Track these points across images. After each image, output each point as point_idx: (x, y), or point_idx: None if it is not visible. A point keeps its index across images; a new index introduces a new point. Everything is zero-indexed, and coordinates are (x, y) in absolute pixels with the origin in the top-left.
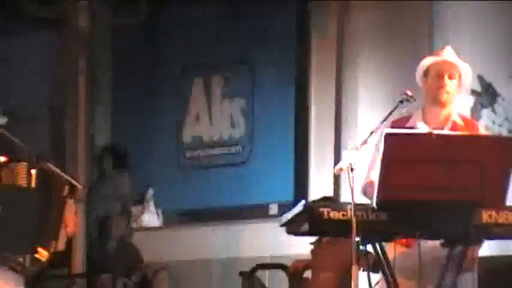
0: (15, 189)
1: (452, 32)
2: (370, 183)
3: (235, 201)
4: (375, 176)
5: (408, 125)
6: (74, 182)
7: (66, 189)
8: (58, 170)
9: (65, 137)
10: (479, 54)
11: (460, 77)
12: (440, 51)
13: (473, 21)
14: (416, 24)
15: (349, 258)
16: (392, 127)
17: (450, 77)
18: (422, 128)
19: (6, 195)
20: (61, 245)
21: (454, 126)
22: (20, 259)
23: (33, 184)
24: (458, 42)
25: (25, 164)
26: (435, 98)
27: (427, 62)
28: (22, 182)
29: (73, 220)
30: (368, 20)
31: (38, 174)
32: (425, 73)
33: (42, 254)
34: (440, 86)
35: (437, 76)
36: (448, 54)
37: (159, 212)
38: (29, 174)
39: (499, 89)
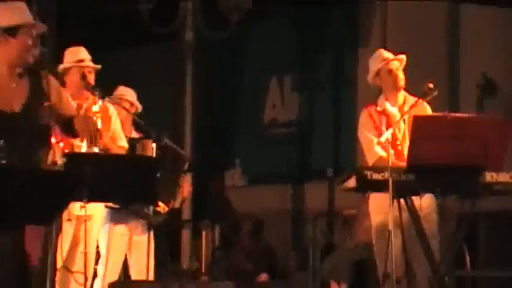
0: (145, 159)
1: (462, 36)
2: (380, 158)
3: (301, 167)
4: (381, 152)
5: (378, 108)
6: (186, 155)
7: (186, 164)
8: (175, 146)
9: (175, 122)
10: (484, 55)
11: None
12: (382, 55)
13: (480, 27)
14: (440, 28)
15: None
16: (367, 109)
17: (397, 69)
18: (390, 108)
19: (138, 163)
20: (177, 204)
21: (411, 107)
22: (146, 211)
23: (155, 156)
24: (467, 45)
25: (151, 141)
26: (396, 86)
27: (377, 65)
28: (149, 154)
29: (187, 187)
30: (403, 27)
31: (161, 149)
32: (378, 73)
33: (162, 208)
34: (397, 76)
35: (391, 71)
36: (388, 54)
37: (245, 174)
38: (154, 148)
39: (499, 82)
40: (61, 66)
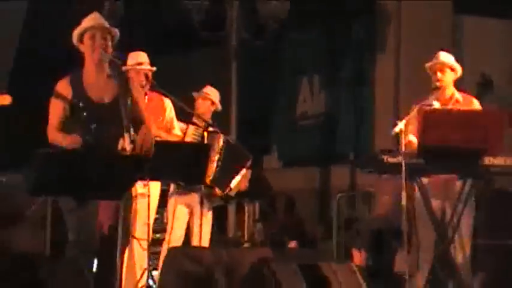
0: (192, 146)
1: (464, 41)
2: (409, 142)
3: (327, 152)
4: (412, 138)
5: (426, 102)
6: (249, 154)
7: (248, 161)
8: (233, 141)
9: (222, 115)
10: (482, 57)
11: (452, 69)
12: (437, 56)
13: (479, 34)
14: (445, 35)
15: (400, 187)
16: (413, 105)
17: (441, 71)
18: (436, 104)
19: (188, 149)
20: (232, 193)
21: (456, 102)
22: (203, 190)
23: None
24: (468, 49)
25: (220, 135)
26: (433, 84)
27: (430, 63)
28: (216, 145)
29: (245, 182)
30: (414, 35)
31: (225, 143)
32: (430, 70)
33: (218, 192)
34: (435, 76)
35: (435, 71)
36: (443, 56)
37: (281, 158)
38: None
39: (495, 80)
40: (123, 68)
